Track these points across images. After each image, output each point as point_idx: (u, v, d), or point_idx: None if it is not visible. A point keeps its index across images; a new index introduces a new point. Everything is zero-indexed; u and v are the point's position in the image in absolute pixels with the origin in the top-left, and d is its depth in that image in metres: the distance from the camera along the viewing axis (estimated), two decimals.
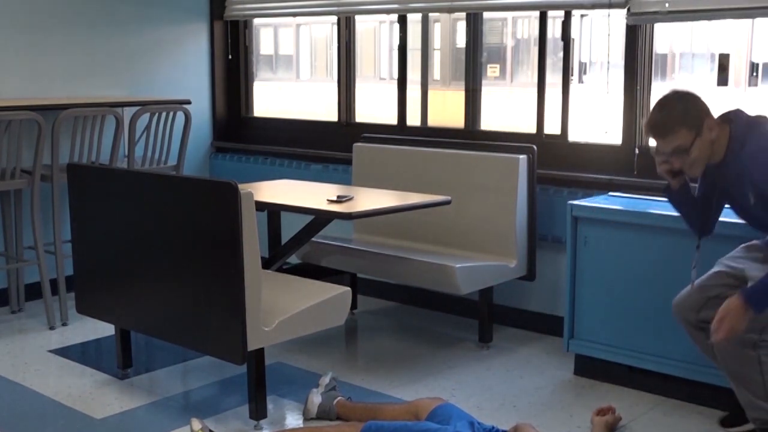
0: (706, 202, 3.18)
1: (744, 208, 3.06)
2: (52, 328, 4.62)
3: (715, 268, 3.19)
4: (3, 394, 3.81)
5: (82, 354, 4.27)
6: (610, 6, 4.14)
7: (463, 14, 4.93)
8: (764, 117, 3.04)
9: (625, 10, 4.06)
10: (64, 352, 4.29)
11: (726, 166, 3.02)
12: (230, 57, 5.84)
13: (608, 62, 4.28)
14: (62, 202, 4.44)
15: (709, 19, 4.02)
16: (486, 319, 4.35)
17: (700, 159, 3.00)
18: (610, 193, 4.05)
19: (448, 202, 4.05)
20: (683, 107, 2.98)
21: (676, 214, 3.33)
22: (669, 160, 3.04)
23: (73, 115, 4.51)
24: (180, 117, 5.02)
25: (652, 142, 4.23)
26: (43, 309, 4.66)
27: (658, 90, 4.34)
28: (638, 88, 4.20)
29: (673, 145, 2.98)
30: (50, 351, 4.31)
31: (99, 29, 5.06)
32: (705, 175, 3.12)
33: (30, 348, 4.37)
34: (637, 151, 4.21)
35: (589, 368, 3.90)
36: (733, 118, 3.03)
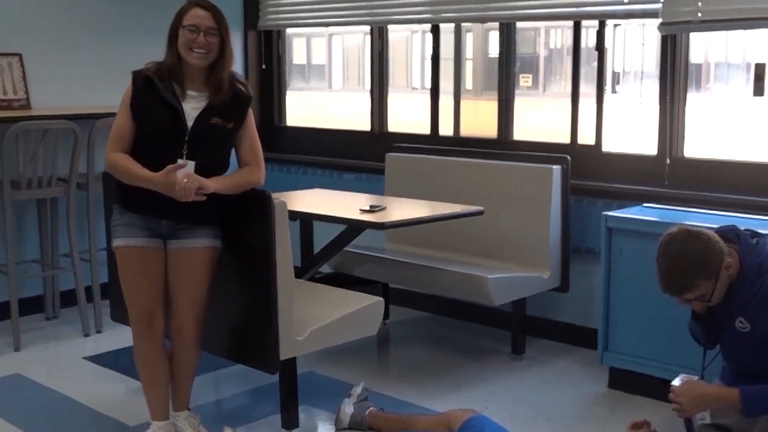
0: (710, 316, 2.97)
1: (732, 336, 2.88)
2: (86, 335, 4.66)
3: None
4: (38, 399, 3.85)
5: (115, 361, 4.30)
6: (644, 16, 4.11)
7: (496, 24, 4.92)
8: (762, 237, 2.86)
9: (658, 20, 4.03)
10: (98, 359, 4.33)
11: (736, 290, 2.82)
12: (264, 67, 5.87)
13: (642, 72, 4.25)
14: (97, 210, 4.48)
15: (744, 28, 3.98)
16: (519, 330, 4.32)
17: (720, 295, 2.81)
18: (645, 204, 4.01)
19: (481, 213, 4.04)
20: (699, 258, 2.73)
21: (711, 225, 3.26)
22: (689, 301, 2.86)
23: (108, 124, 4.50)
24: None
25: (687, 152, 4.21)
26: (78, 316, 4.70)
27: (693, 100, 4.31)
28: (673, 97, 4.16)
29: (693, 296, 2.80)
30: (85, 358, 4.35)
31: (135, 39, 5.11)
32: None
33: (65, 354, 4.41)
34: (668, 161, 4.17)
35: (623, 381, 3.86)
36: (737, 238, 2.84)
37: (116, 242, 3.19)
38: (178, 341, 3.24)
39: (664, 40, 4.14)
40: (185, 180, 3.00)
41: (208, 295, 3.20)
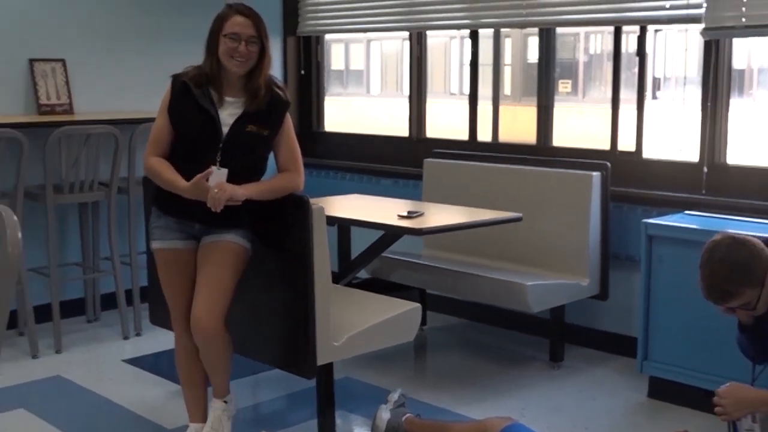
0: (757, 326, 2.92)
1: None
2: (126, 338, 4.71)
3: None
4: (78, 401, 3.89)
5: (154, 364, 4.33)
6: (686, 21, 4.06)
7: (535, 29, 4.89)
8: None
9: (701, 25, 3.97)
10: (137, 361, 4.37)
11: None
12: (302, 72, 5.90)
13: (685, 78, 4.19)
14: (138, 214, 4.53)
15: None
16: (557, 338, 4.29)
17: (766, 304, 2.77)
18: (686, 212, 3.97)
19: (519, 219, 4.01)
20: (743, 264, 2.70)
21: (756, 233, 3.22)
22: (733, 311, 2.83)
23: (148, 129, 4.55)
24: None
25: (730, 159, 4.15)
26: (118, 319, 4.75)
27: (736, 106, 4.25)
28: (716, 104, 4.10)
29: (738, 304, 2.76)
30: (124, 360, 4.39)
31: (175, 44, 5.16)
32: None
33: (105, 357, 4.46)
34: (705, 169, 4.11)
35: (663, 391, 3.81)
36: None
37: (153, 244, 3.24)
38: (196, 334, 3.16)
39: (707, 45, 4.08)
40: (216, 190, 3.02)
41: (229, 290, 3.14)
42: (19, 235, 2.21)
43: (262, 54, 3.13)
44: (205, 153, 3.10)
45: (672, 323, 3.72)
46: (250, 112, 3.13)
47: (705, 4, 3.92)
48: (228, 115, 3.12)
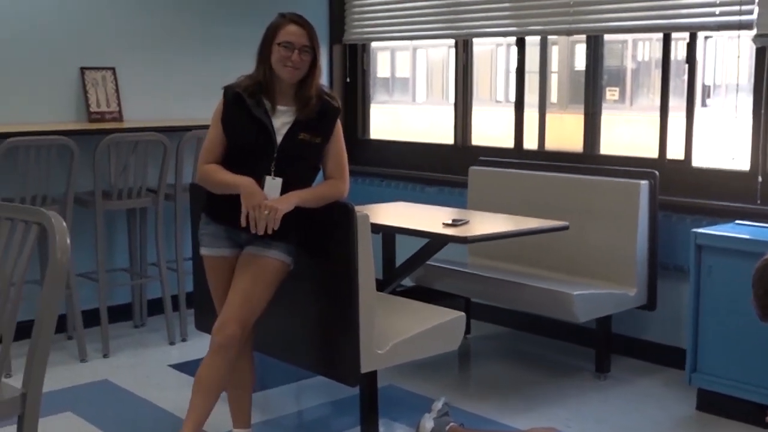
0: None
1: None
2: (172, 343, 4.75)
3: None
4: (124, 406, 3.93)
5: None
6: (738, 27, 3.99)
7: (581, 37, 4.85)
8: None
9: (752, 32, 3.90)
10: (183, 367, 4.40)
11: None
12: (348, 80, 5.91)
13: (737, 85, 4.12)
14: (184, 220, 4.56)
15: None
16: (604, 348, 4.24)
17: None
18: (737, 221, 3.90)
19: (566, 228, 3.97)
20: None
21: None
22: None
23: (196, 137, 4.63)
24: None
25: None
26: (164, 324, 4.80)
27: None
28: None
29: None
30: (170, 366, 4.43)
31: (224, 53, 5.21)
32: None
33: (151, 362, 4.50)
34: (760, 179, 4.03)
35: (713, 404, 3.74)
36: None
37: (202, 250, 3.26)
38: (217, 338, 3.15)
39: (759, 52, 4.01)
40: (266, 212, 3.02)
41: (260, 305, 3.14)
42: (68, 240, 2.25)
43: (314, 63, 3.14)
44: (259, 162, 3.11)
45: (722, 334, 3.66)
46: (301, 120, 3.14)
47: (756, 10, 3.85)
48: (281, 123, 3.14)
